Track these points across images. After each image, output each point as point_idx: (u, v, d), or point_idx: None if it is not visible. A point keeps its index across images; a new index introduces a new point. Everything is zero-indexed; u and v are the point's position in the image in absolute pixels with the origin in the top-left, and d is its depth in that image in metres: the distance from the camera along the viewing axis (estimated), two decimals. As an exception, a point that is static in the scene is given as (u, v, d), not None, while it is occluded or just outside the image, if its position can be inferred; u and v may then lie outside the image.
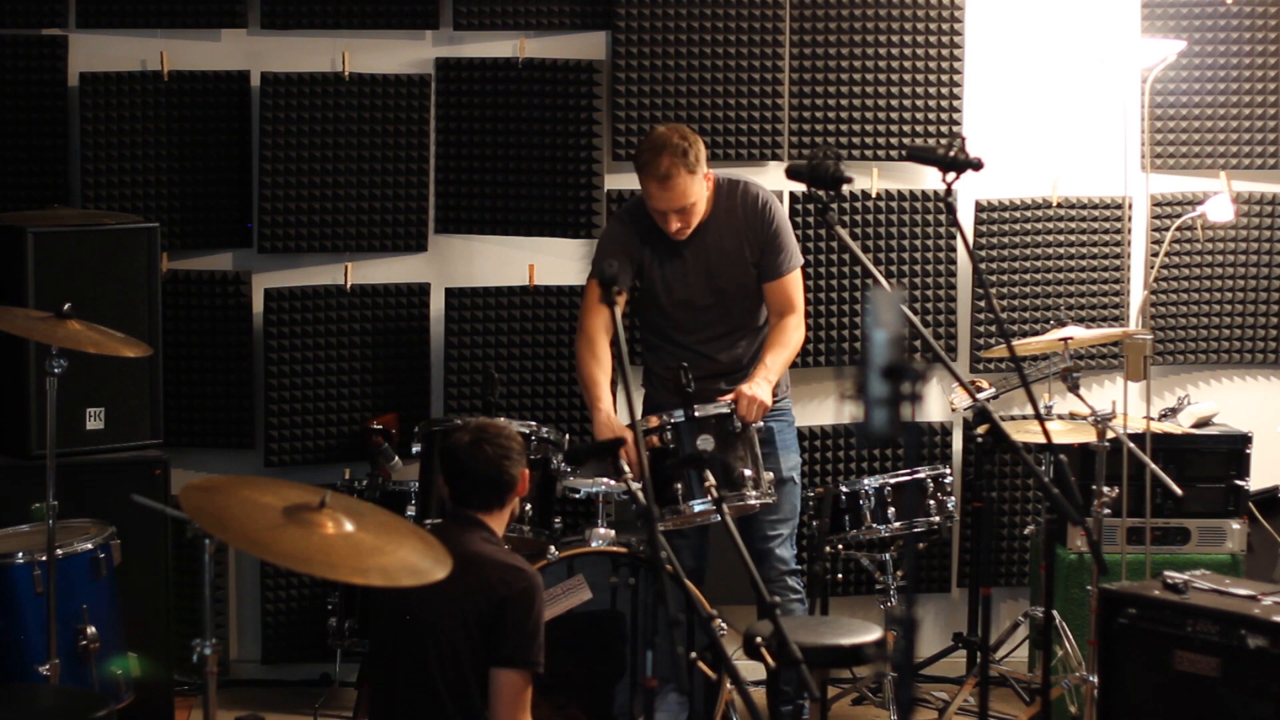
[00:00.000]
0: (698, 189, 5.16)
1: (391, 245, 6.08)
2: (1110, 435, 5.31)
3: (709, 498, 4.80)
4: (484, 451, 4.18)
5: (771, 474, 5.09)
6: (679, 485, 4.94)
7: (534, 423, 5.09)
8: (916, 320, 4.06)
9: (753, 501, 5.00)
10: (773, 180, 6.09)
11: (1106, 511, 5.35)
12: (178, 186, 5.95)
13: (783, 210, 5.43)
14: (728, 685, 4.96)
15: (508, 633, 4.04)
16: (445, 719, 4.06)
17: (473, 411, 5.31)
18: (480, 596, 4.04)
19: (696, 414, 4.97)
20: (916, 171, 6.12)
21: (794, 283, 5.31)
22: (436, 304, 6.08)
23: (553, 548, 4.95)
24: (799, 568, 5.38)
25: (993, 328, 6.17)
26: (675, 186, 5.11)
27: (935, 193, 6.14)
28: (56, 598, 4.63)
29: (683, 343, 5.34)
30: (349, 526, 3.38)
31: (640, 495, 3.81)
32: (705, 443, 4.96)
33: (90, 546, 4.88)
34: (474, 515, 4.18)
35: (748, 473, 4.99)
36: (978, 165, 3.94)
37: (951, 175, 3.96)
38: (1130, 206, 6.25)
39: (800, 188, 4.88)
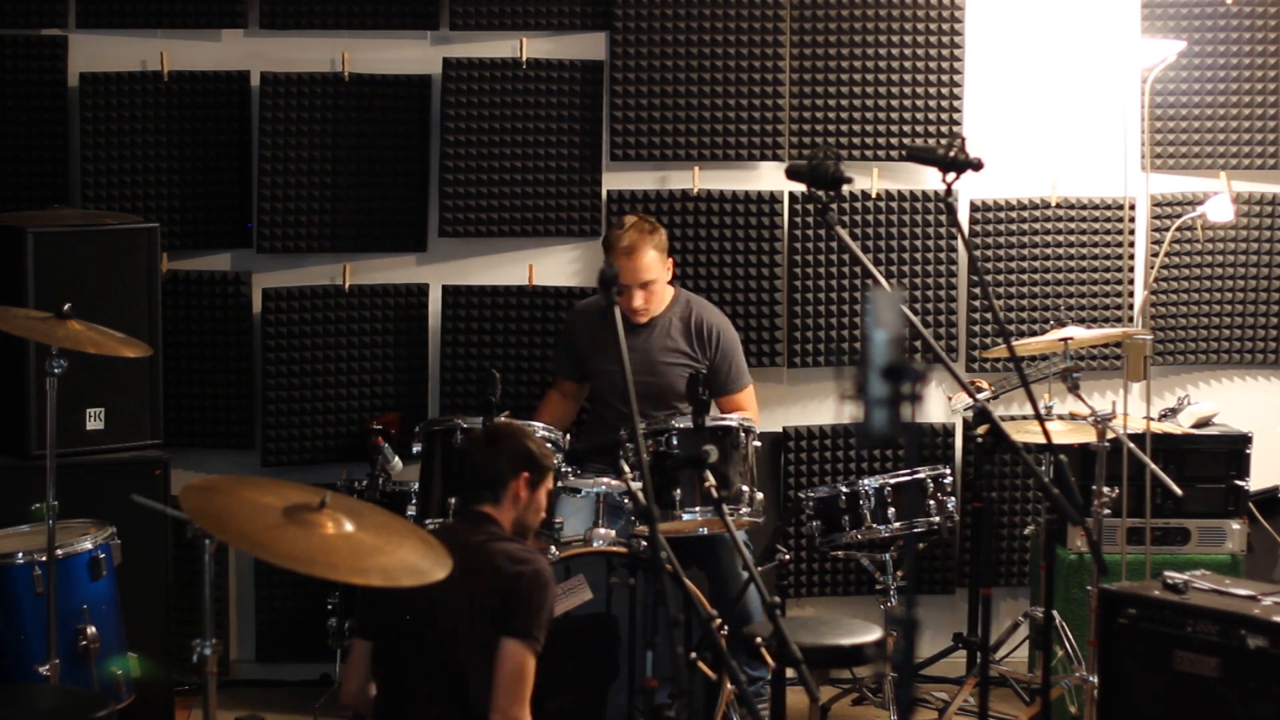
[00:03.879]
0: (659, 270, 5.56)
1: (391, 245, 6.08)
2: (1110, 435, 5.31)
3: (707, 503, 4.83)
4: (483, 446, 4.28)
5: (763, 495, 5.13)
6: (678, 491, 4.95)
7: (534, 423, 5.09)
8: (916, 320, 4.06)
9: (745, 517, 5.03)
10: (772, 180, 6.10)
11: (1106, 512, 5.35)
12: (178, 186, 5.95)
13: (732, 335, 5.72)
14: (728, 685, 4.96)
15: (517, 608, 4.06)
16: (439, 703, 4.07)
17: (472, 411, 5.31)
18: (490, 581, 4.06)
19: (705, 424, 5.00)
20: (916, 171, 6.12)
21: (748, 399, 5.70)
22: (435, 304, 6.09)
23: (553, 548, 4.95)
24: None
25: (992, 328, 6.17)
26: (640, 258, 5.49)
27: (935, 193, 6.14)
28: (56, 598, 4.63)
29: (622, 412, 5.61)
30: (349, 527, 3.38)
31: (640, 495, 3.81)
32: (709, 452, 4.98)
33: (90, 546, 4.88)
34: (481, 510, 4.22)
35: (744, 488, 5.02)
36: (978, 165, 3.94)
37: (951, 175, 3.96)
38: (1131, 207, 6.25)
39: (800, 188, 4.88)
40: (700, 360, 5.60)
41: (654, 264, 5.54)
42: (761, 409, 6.17)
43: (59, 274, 5.28)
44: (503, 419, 4.61)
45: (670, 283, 5.70)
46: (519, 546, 4.19)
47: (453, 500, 4.91)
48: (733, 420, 5.10)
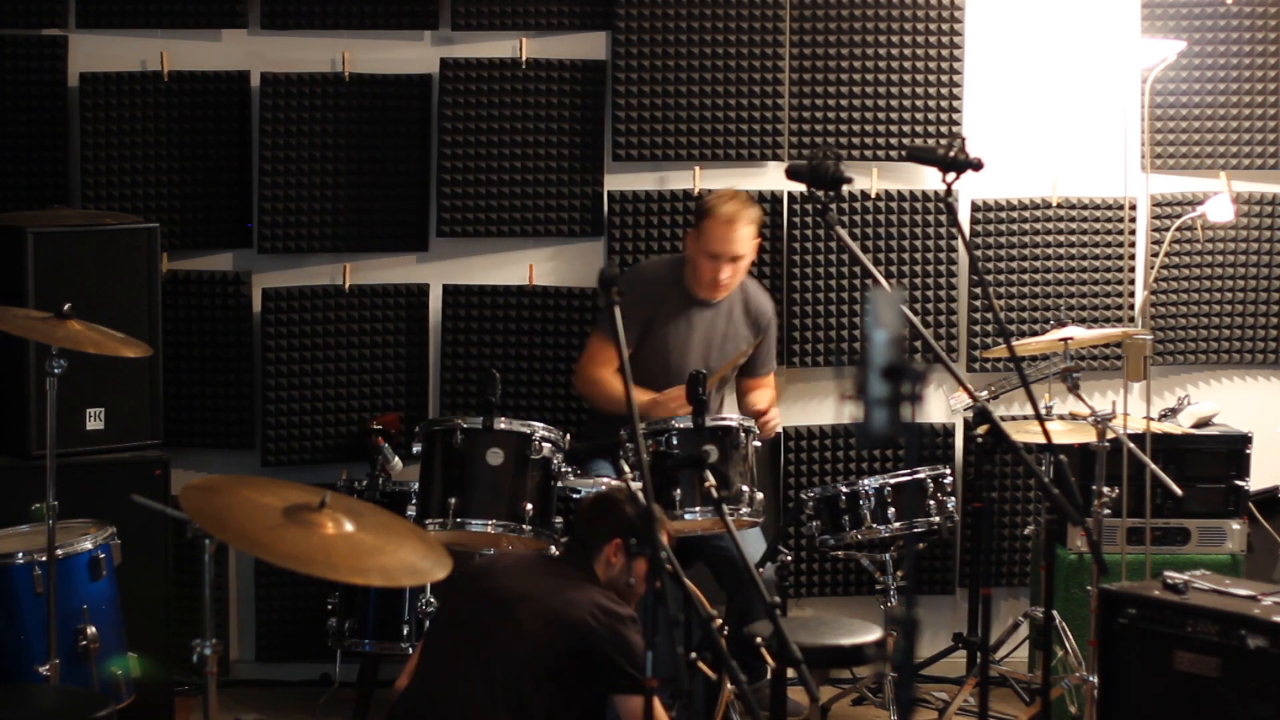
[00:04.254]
0: (750, 246, 5.56)
1: (391, 245, 6.08)
2: (1110, 435, 5.31)
3: (707, 503, 4.83)
4: (584, 507, 4.44)
5: (763, 495, 5.13)
6: (678, 491, 4.95)
7: (534, 423, 5.08)
8: (916, 320, 4.06)
9: (745, 517, 5.03)
10: (773, 180, 6.10)
11: (1106, 512, 5.35)
12: (178, 186, 5.95)
13: (775, 321, 5.86)
14: (728, 685, 4.96)
15: (615, 666, 4.09)
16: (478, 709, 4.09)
17: (472, 411, 5.30)
18: (572, 629, 4.10)
19: (706, 424, 5.00)
20: (916, 171, 6.12)
21: (771, 383, 5.79)
22: (436, 304, 6.09)
23: (553, 548, 4.95)
24: None
25: (992, 328, 6.17)
26: (738, 229, 5.49)
27: (935, 193, 6.14)
28: (56, 598, 4.63)
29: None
30: (349, 527, 3.38)
31: (640, 495, 3.81)
32: (709, 452, 4.98)
33: (90, 546, 4.88)
34: (589, 574, 4.26)
35: (744, 488, 5.02)
36: (978, 165, 3.94)
37: (951, 175, 3.96)
38: (1131, 207, 6.25)
39: (800, 188, 4.88)
40: (752, 341, 5.69)
41: (748, 239, 5.54)
42: (761, 409, 6.18)
43: (59, 274, 5.28)
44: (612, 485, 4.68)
45: None
46: (608, 598, 4.19)
47: (453, 500, 4.90)
48: (733, 420, 5.09)
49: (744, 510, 5.03)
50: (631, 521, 4.28)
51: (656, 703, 3.99)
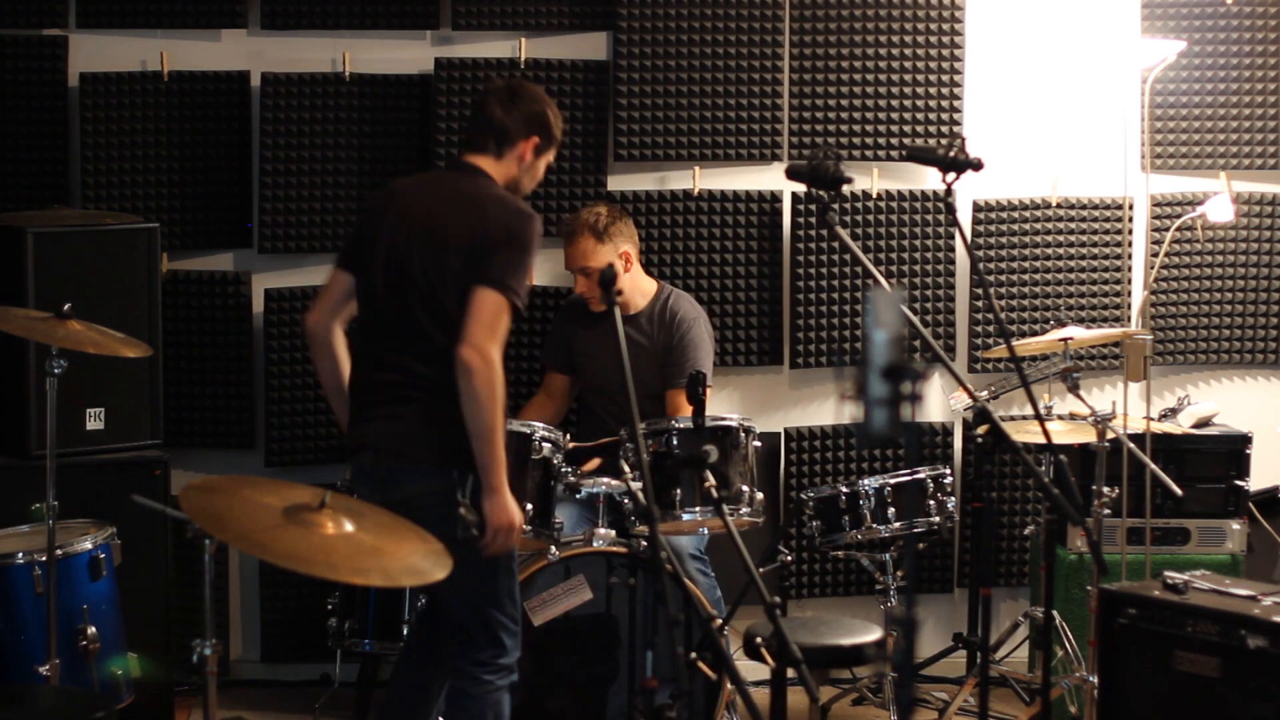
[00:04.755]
0: (600, 259, 5.49)
1: (391, 245, 6.08)
2: (1110, 435, 5.31)
3: (707, 503, 4.84)
4: (504, 98, 4.46)
5: (763, 495, 5.13)
6: (678, 491, 4.95)
7: (534, 423, 5.09)
8: (916, 320, 4.06)
9: (745, 517, 5.02)
10: (772, 180, 6.10)
11: (1106, 512, 5.35)
12: (178, 186, 5.95)
13: (701, 332, 5.66)
14: (728, 685, 4.97)
15: (493, 257, 4.24)
16: (420, 332, 4.28)
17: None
18: (475, 227, 4.27)
19: (705, 424, 5.00)
20: (916, 171, 6.12)
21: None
22: (436, 304, 6.08)
23: (553, 548, 4.95)
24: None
25: (992, 328, 6.17)
26: (576, 244, 5.55)
27: (935, 193, 6.15)
28: (56, 598, 4.63)
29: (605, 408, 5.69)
30: (349, 527, 3.39)
31: (640, 495, 3.82)
32: (709, 452, 4.98)
33: (90, 546, 4.88)
34: (475, 163, 4.42)
35: (744, 488, 5.02)
36: (978, 165, 3.94)
37: (951, 175, 3.96)
38: (1130, 207, 6.25)
39: (800, 188, 4.88)
40: (655, 340, 5.62)
41: (589, 252, 5.54)
42: (762, 409, 6.18)
43: (59, 274, 5.28)
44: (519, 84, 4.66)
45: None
46: (511, 197, 4.39)
47: None
48: (733, 420, 5.10)
49: (744, 510, 5.04)
50: (548, 118, 4.47)
51: (502, 302, 4.22)
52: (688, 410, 5.46)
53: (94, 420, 5.37)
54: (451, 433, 4.23)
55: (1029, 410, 5.27)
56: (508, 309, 4.23)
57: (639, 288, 5.70)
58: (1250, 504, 5.91)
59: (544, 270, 6.12)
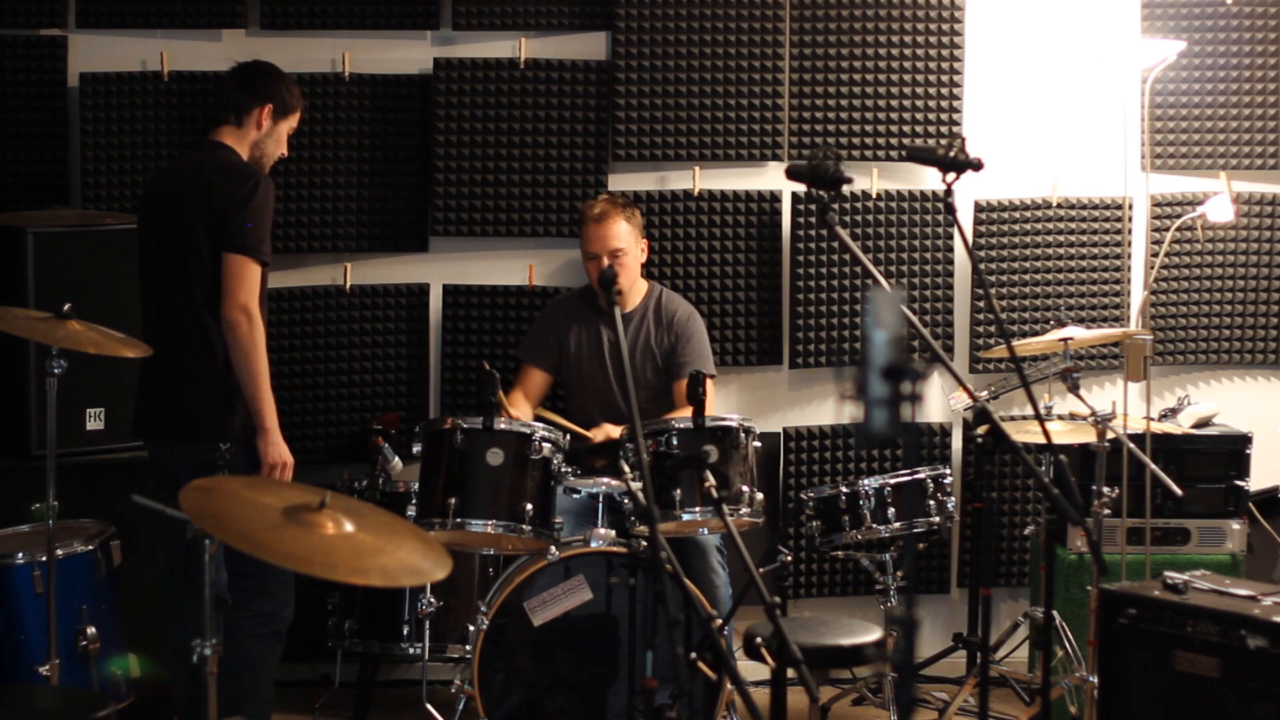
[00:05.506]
0: (629, 241, 5.59)
1: (391, 245, 6.08)
2: (1110, 435, 5.31)
3: (707, 503, 4.84)
4: (237, 75, 5.06)
5: (763, 495, 5.13)
6: (678, 491, 4.95)
7: (534, 423, 5.09)
8: (916, 320, 4.06)
9: (745, 518, 5.03)
10: (772, 180, 6.10)
11: (1106, 512, 5.35)
12: (178, 186, 5.95)
13: (700, 325, 5.72)
14: (728, 685, 4.97)
15: (229, 221, 4.79)
16: (192, 301, 4.84)
17: (472, 411, 5.31)
18: (206, 194, 4.81)
19: (705, 424, 5.00)
20: (916, 171, 6.12)
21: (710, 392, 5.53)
22: (436, 304, 6.09)
23: (553, 548, 4.95)
24: None
25: (992, 328, 6.17)
26: (610, 225, 5.58)
27: (935, 193, 6.15)
28: (56, 598, 4.62)
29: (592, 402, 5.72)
30: (349, 527, 3.38)
31: (640, 495, 3.82)
32: (709, 452, 4.99)
33: (90, 546, 4.88)
34: (216, 139, 4.95)
35: (744, 489, 5.02)
36: (977, 165, 3.94)
37: (951, 175, 3.96)
38: (1130, 207, 6.25)
39: (800, 188, 4.88)
40: (654, 337, 5.65)
41: (623, 234, 5.59)
42: (761, 409, 6.18)
43: (59, 274, 5.28)
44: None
45: (649, 279, 5.79)
46: (241, 162, 4.92)
47: (453, 500, 4.91)
48: (733, 420, 5.10)
49: (744, 510, 5.04)
50: (280, 90, 5.00)
51: (251, 267, 4.81)
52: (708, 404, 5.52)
53: (94, 420, 5.37)
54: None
55: (1029, 410, 5.27)
56: (251, 264, 4.81)
57: (638, 285, 5.71)
58: (1250, 504, 5.91)
59: (545, 270, 6.13)
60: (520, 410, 5.62)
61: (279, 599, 4.95)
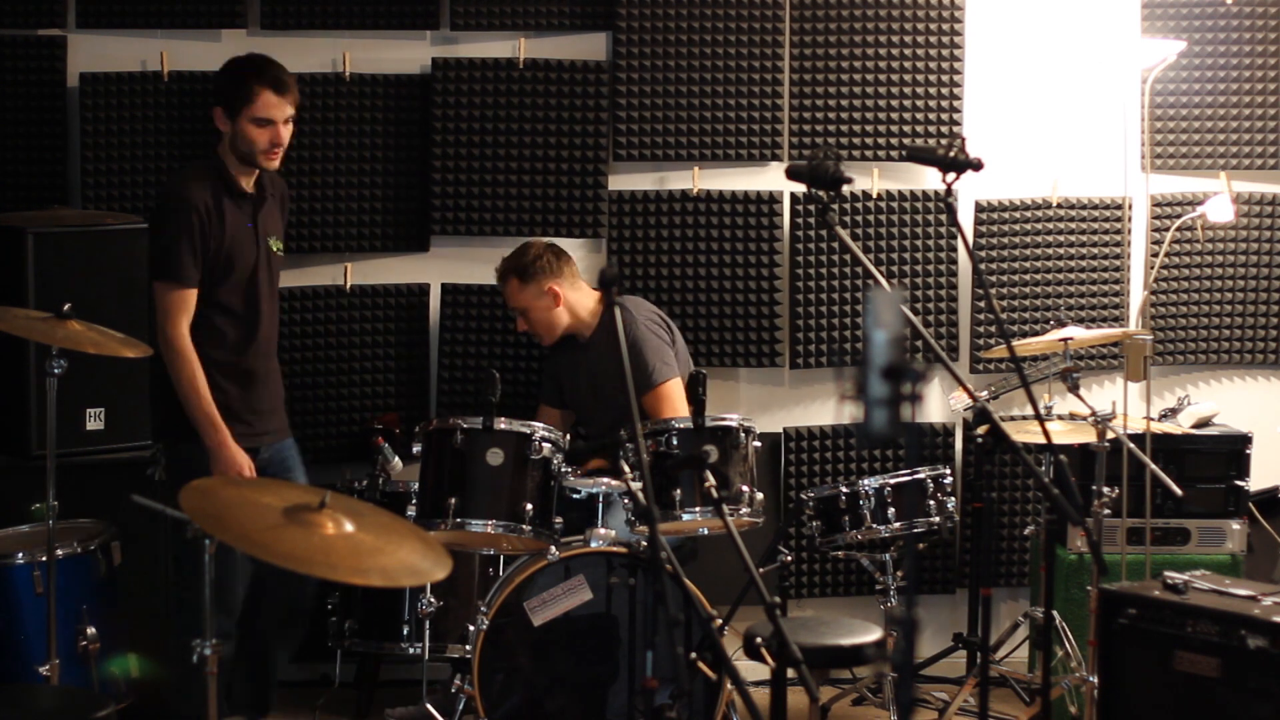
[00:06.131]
0: (529, 299, 5.57)
1: (391, 245, 6.08)
2: (1110, 435, 5.31)
3: (707, 503, 4.84)
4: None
5: (763, 495, 5.13)
6: (678, 491, 4.95)
7: (534, 423, 5.09)
8: (916, 320, 4.07)
9: (745, 517, 5.03)
10: (773, 180, 6.10)
11: (1106, 512, 5.35)
12: (178, 186, 5.95)
13: (646, 330, 5.54)
14: (728, 685, 4.97)
15: (152, 244, 4.91)
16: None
17: (472, 411, 5.31)
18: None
19: (705, 424, 5.00)
20: (916, 171, 6.12)
21: (664, 395, 5.47)
22: (436, 304, 6.09)
23: (553, 548, 4.95)
24: None
25: (992, 328, 6.17)
26: (504, 288, 5.63)
27: (935, 193, 6.15)
28: (56, 598, 4.62)
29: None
30: (349, 527, 3.38)
31: (640, 495, 3.82)
32: (709, 452, 4.99)
33: (90, 546, 4.88)
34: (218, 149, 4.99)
35: (744, 489, 5.02)
36: (978, 165, 3.94)
37: (951, 175, 3.96)
38: (1130, 207, 6.25)
39: (800, 188, 4.88)
40: (612, 359, 5.50)
41: (516, 295, 5.58)
42: (761, 409, 6.18)
43: (59, 274, 5.27)
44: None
45: (620, 292, 5.72)
46: (171, 181, 5.11)
47: (453, 500, 4.91)
48: (733, 420, 5.10)
49: (744, 510, 5.04)
50: (223, 88, 4.98)
51: (158, 287, 4.86)
52: (667, 409, 5.46)
53: (94, 420, 5.37)
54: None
55: (1029, 410, 5.27)
56: (167, 289, 4.85)
57: (579, 316, 5.61)
58: (1250, 504, 5.91)
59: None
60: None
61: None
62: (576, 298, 5.61)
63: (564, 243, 6.10)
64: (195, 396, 4.86)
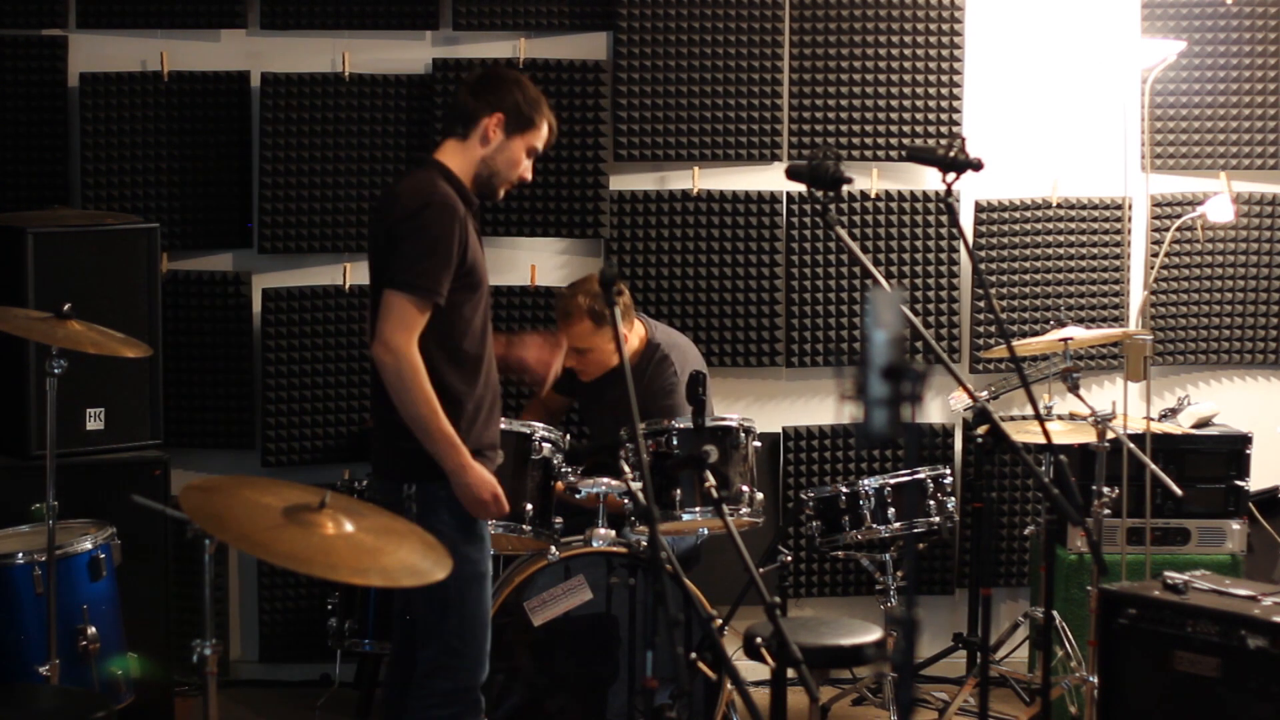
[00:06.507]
0: (598, 341, 5.39)
1: (391, 245, 6.08)
2: (1110, 435, 5.31)
3: (707, 503, 4.84)
4: (471, 82, 4.42)
5: (763, 495, 5.13)
6: (678, 491, 4.95)
7: (534, 423, 5.09)
8: (916, 320, 4.07)
9: (745, 517, 5.03)
10: (772, 180, 6.10)
11: (1106, 512, 5.35)
12: (178, 186, 5.96)
13: (665, 369, 5.47)
14: (728, 685, 4.97)
15: (400, 256, 4.16)
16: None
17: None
18: (384, 220, 4.23)
19: (705, 424, 5.00)
20: (916, 171, 6.12)
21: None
22: (436, 304, 6.08)
23: (553, 548, 4.95)
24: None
25: (993, 328, 6.17)
26: (571, 325, 5.37)
27: (935, 193, 6.15)
28: (56, 598, 4.63)
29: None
30: (349, 527, 3.38)
31: (640, 495, 3.82)
32: (709, 452, 4.99)
33: (90, 546, 4.88)
34: (434, 155, 4.35)
35: (744, 489, 5.03)
36: (978, 165, 3.94)
37: (951, 175, 3.96)
38: (1130, 207, 6.25)
39: (800, 188, 4.88)
40: (659, 383, 5.49)
41: (586, 335, 5.38)
42: (761, 409, 6.18)
43: (59, 274, 5.28)
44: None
45: (645, 326, 5.57)
46: (418, 184, 4.24)
47: None
48: (733, 420, 5.10)
49: (744, 510, 5.04)
50: (517, 99, 4.33)
51: (405, 302, 4.13)
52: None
53: (94, 420, 5.37)
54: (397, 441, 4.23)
55: (1029, 410, 5.27)
56: (414, 305, 4.14)
57: (630, 344, 5.53)
58: (1250, 504, 5.91)
59: (546, 270, 6.12)
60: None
61: (464, 676, 4.31)
62: (630, 337, 5.52)
63: (564, 243, 6.13)
64: (433, 417, 4.15)
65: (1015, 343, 5.62)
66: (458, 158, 4.33)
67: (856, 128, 6.14)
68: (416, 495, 4.22)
